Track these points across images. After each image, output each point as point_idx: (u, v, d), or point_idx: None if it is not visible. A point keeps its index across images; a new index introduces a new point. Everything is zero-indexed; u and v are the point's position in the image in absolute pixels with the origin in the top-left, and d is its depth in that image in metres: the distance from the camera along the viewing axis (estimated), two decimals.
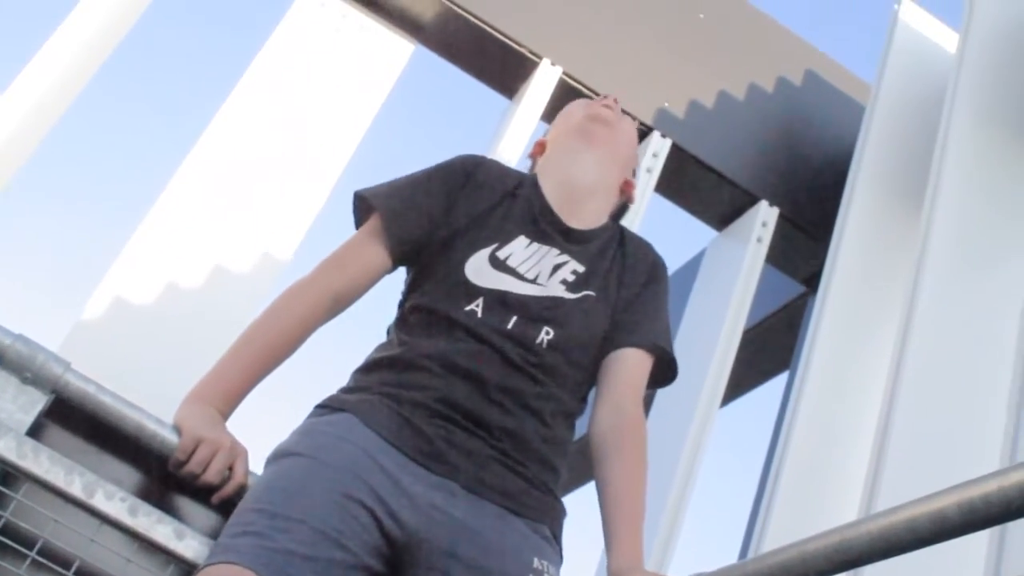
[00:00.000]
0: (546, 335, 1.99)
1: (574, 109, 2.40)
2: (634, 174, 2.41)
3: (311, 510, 1.69)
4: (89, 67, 4.47)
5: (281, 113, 4.64)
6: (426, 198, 2.12)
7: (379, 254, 2.09)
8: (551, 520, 1.93)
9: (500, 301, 2.01)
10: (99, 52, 4.51)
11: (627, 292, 2.15)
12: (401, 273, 2.18)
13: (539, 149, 2.40)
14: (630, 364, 2.10)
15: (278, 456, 1.85)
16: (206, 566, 1.62)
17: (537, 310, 2.01)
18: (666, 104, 5.29)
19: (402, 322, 2.09)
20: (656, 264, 2.25)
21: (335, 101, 4.81)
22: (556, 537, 1.94)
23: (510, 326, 1.98)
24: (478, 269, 2.04)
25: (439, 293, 2.03)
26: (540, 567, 1.83)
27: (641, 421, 2.06)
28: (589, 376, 2.11)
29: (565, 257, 2.10)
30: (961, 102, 4.60)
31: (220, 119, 4.51)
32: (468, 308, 1.99)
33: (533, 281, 2.04)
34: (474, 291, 2.01)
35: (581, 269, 2.10)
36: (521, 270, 2.05)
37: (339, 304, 2.07)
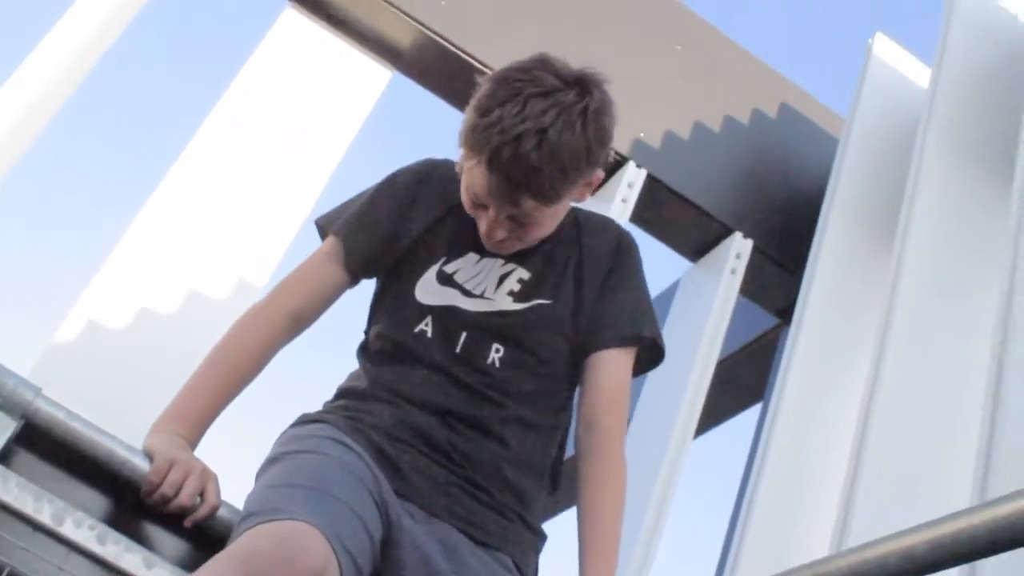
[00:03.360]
0: (496, 353, 1.95)
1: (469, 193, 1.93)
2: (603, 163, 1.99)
3: (340, 491, 1.66)
4: (63, 90, 4.46)
5: (258, 138, 4.64)
6: (378, 214, 2.07)
7: (335, 272, 2.06)
8: (516, 549, 1.90)
9: (447, 317, 1.97)
10: (74, 75, 4.49)
11: (589, 289, 2.04)
12: (366, 295, 2.16)
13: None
14: (603, 368, 2.02)
15: (278, 458, 1.81)
16: (260, 523, 1.54)
17: (484, 326, 1.96)
18: (641, 135, 5.32)
19: (364, 350, 2.08)
20: (620, 242, 2.12)
21: (312, 126, 4.81)
22: (520, 567, 1.90)
23: (459, 348, 1.95)
24: (426, 287, 2.00)
25: (392, 316, 2.01)
26: None
27: (614, 431, 1.99)
28: (565, 383, 2.04)
29: (511, 266, 2.02)
30: (933, 137, 4.65)
31: (196, 144, 4.51)
32: (417, 329, 1.97)
33: (481, 296, 1.99)
34: (422, 310, 1.98)
35: (527, 276, 2.02)
36: (468, 286, 1.99)
37: (298, 324, 2.05)
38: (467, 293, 1.99)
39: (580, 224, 2.11)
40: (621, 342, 2.05)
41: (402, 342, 1.97)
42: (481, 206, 1.90)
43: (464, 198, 1.94)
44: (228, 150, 4.55)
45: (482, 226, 1.93)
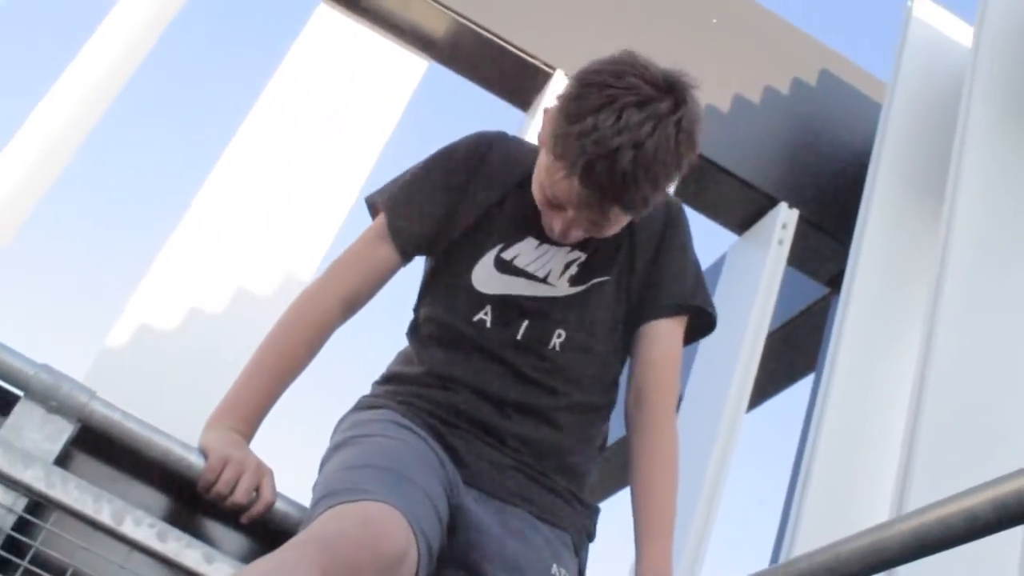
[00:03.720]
0: (558, 338, 1.94)
1: (554, 171, 1.82)
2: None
3: (416, 475, 1.66)
4: (107, 96, 4.49)
5: (298, 134, 4.66)
6: (431, 194, 2.02)
7: (386, 254, 2.02)
8: (573, 529, 1.91)
9: (508, 307, 1.95)
10: (117, 79, 4.53)
11: (642, 258, 2.01)
12: (416, 276, 2.14)
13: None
14: (654, 340, 2.00)
15: (347, 442, 1.81)
16: (344, 503, 1.53)
17: (547, 312, 1.95)
18: None
19: (415, 332, 2.06)
20: (669, 208, 2.07)
21: (351, 120, 4.82)
22: (577, 548, 1.90)
23: (520, 335, 1.93)
24: (484, 274, 1.97)
25: (447, 303, 1.99)
26: (557, 574, 1.82)
27: (666, 411, 1.98)
28: (618, 358, 2.03)
29: (576, 253, 1.98)
30: (978, 96, 4.58)
31: (237, 143, 4.53)
32: (476, 318, 1.95)
33: (544, 280, 1.96)
34: (481, 299, 1.95)
35: (584, 258, 1.98)
36: (530, 269, 1.96)
37: (350, 308, 2.02)
38: (530, 277, 1.96)
39: None
40: (672, 312, 2.02)
41: (458, 330, 1.95)
42: (559, 207, 1.85)
43: (538, 195, 1.88)
44: (269, 149, 4.57)
45: (556, 225, 1.87)
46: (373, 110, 4.90)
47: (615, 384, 2.05)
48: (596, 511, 1.99)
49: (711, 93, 5.45)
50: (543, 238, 1.97)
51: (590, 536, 1.97)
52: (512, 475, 1.87)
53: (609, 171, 1.72)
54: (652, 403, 1.97)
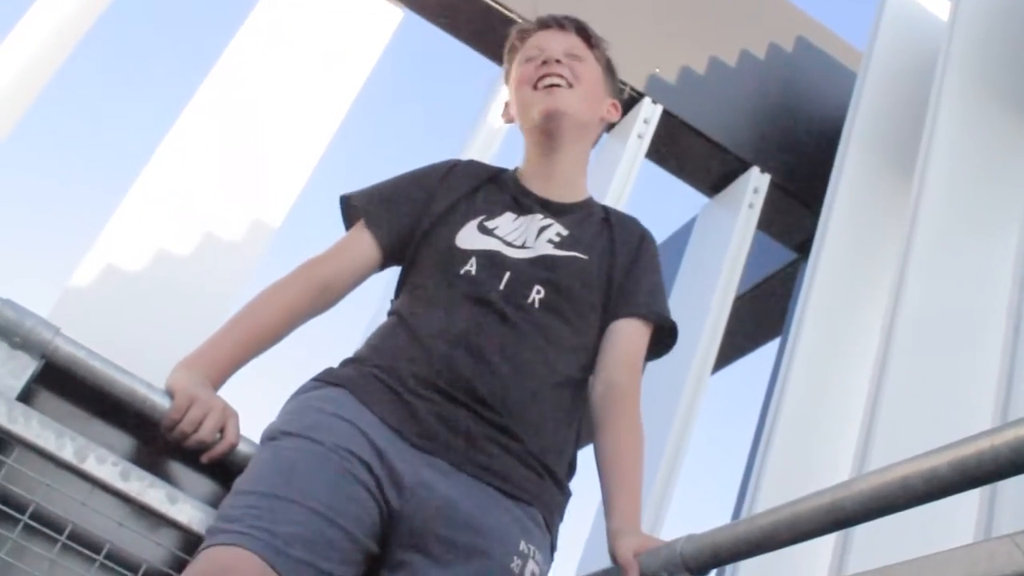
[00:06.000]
0: (537, 294, 2.00)
1: (525, 90, 2.30)
2: (618, 90, 2.43)
3: (308, 491, 1.69)
4: (78, 29, 4.43)
5: (269, 80, 4.61)
6: (409, 191, 2.19)
7: (368, 246, 2.14)
8: (543, 506, 1.90)
9: (492, 260, 2.04)
10: (88, 13, 4.47)
11: (620, 263, 2.16)
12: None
13: (508, 117, 2.41)
14: (625, 335, 2.11)
15: (270, 437, 1.84)
16: (206, 548, 1.62)
17: (527, 269, 2.04)
18: (657, 70, 5.27)
19: (400, 296, 2.11)
20: (644, 238, 2.26)
21: (323, 68, 4.78)
22: (548, 524, 1.91)
23: (503, 285, 2.00)
24: (468, 236, 2.08)
25: (433, 265, 2.07)
26: (526, 550, 1.81)
27: (631, 391, 2.06)
28: (589, 345, 2.09)
29: (549, 221, 2.15)
30: (952, 69, 4.59)
31: (208, 86, 4.48)
32: (463, 270, 2.02)
33: (521, 247, 2.07)
34: (466, 254, 2.04)
35: (566, 232, 2.14)
36: (509, 239, 2.08)
37: (328, 292, 2.10)
38: (509, 244, 2.08)
39: (608, 212, 2.28)
40: (643, 316, 2.14)
41: (446, 281, 2.03)
42: (543, 62, 2.27)
43: (519, 87, 2.31)
44: (240, 93, 4.52)
45: (545, 69, 2.26)
46: (346, 59, 4.86)
47: (591, 368, 2.10)
48: (569, 495, 2.01)
49: (687, 54, 5.44)
50: (519, 212, 2.15)
51: (560, 516, 1.98)
52: (483, 444, 1.86)
53: (550, 14, 2.41)
54: (619, 387, 2.06)
